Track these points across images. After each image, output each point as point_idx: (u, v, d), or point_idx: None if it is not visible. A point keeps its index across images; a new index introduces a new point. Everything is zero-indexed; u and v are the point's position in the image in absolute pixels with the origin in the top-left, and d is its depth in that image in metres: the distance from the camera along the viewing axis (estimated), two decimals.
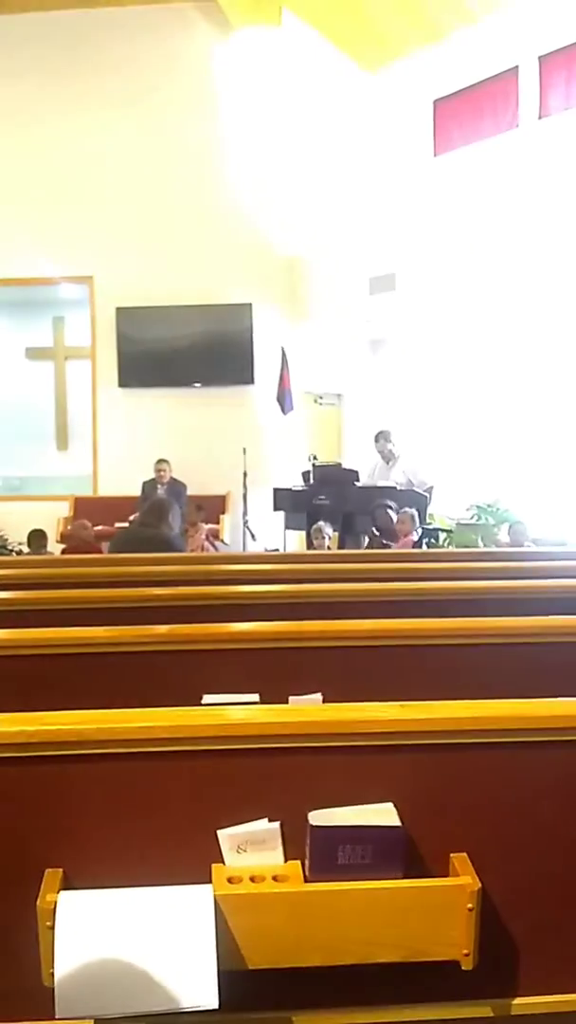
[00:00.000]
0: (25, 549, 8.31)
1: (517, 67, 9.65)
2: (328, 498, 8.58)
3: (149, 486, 9.37)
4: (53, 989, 1.40)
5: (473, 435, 10.23)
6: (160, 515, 5.31)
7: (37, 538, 8.19)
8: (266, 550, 8.70)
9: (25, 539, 8.33)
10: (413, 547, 7.62)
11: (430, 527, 8.59)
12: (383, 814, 1.60)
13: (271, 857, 1.59)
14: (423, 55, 10.47)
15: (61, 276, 10.65)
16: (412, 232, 9.25)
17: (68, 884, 1.54)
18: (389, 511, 7.87)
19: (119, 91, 10.12)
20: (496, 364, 10.09)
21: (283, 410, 10.15)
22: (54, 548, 8.73)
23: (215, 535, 9.17)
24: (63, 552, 8.20)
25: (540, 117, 9.58)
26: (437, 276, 8.98)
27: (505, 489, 9.54)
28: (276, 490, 9.38)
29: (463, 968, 1.53)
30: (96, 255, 10.24)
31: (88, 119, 10.12)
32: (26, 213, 10.15)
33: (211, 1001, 1.39)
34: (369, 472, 9.40)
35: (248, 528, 9.49)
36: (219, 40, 10.12)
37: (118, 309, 10.32)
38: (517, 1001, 1.64)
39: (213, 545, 8.54)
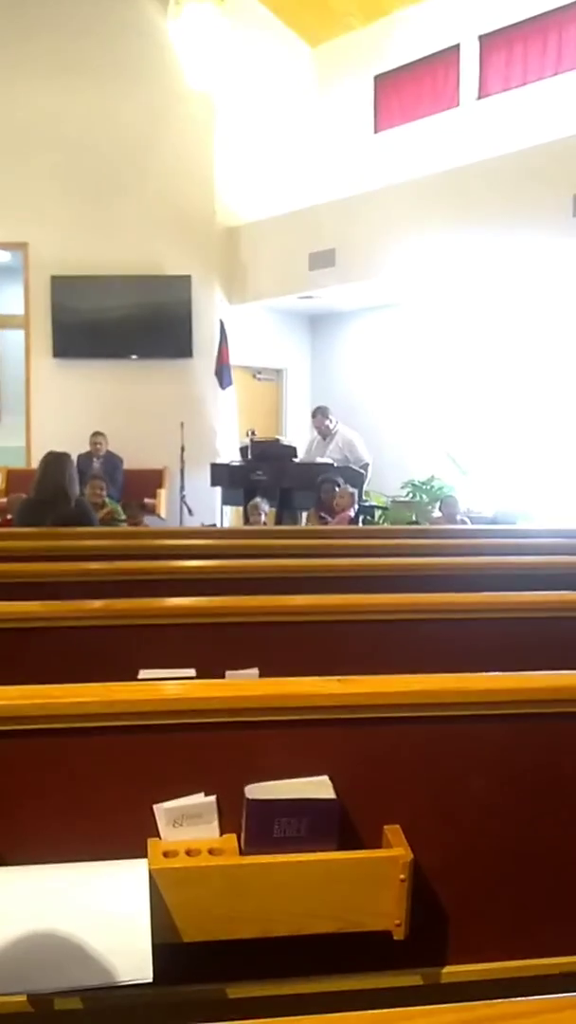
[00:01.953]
0: None
1: (458, 46, 9.68)
2: (266, 474, 8.58)
3: (84, 459, 9.25)
4: None
5: (409, 412, 10.31)
6: (63, 470, 5.02)
7: None
8: (203, 525, 8.67)
9: None
10: (349, 523, 7.67)
11: (366, 504, 8.65)
12: (319, 787, 1.61)
13: (207, 831, 1.59)
14: (366, 31, 10.44)
15: None
16: (352, 208, 9.24)
17: (3, 861, 1.52)
18: (336, 487, 7.90)
19: (59, 56, 9.87)
20: (433, 341, 10.17)
21: (221, 385, 10.09)
22: None
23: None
24: (2, 523, 8.05)
25: (479, 97, 9.64)
26: (377, 253, 8.99)
27: (440, 467, 9.65)
28: (214, 465, 9.35)
29: (395, 938, 1.56)
30: (31, 221, 10.01)
31: (26, 84, 9.86)
32: None
33: (145, 975, 1.40)
34: (306, 448, 9.42)
35: (185, 503, 9.45)
36: (161, 7, 9.93)
37: (53, 277, 10.12)
38: (447, 970, 1.67)
39: None
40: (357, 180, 9.86)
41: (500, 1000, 1.42)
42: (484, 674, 1.77)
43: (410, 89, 10.21)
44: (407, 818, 1.64)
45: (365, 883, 1.54)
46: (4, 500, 9.07)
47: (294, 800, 1.58)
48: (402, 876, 1.53)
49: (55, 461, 5.12)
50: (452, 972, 1.67)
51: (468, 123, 9.61)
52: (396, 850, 1.56)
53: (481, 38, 9.52)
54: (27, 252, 10.20)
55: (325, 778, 1.63)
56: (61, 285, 10.11)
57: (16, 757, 1.57)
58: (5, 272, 11.09)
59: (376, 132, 10.59)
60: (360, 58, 10.54)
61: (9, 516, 8.28)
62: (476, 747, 1.69)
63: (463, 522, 7.52)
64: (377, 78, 10.49)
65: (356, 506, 8.01)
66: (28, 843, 1.55)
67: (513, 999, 0.96)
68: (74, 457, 9.31)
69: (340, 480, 8.01)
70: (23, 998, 1.49)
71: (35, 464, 10.15)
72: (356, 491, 8.08)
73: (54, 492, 4.92)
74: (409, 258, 8.73)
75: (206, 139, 10.25)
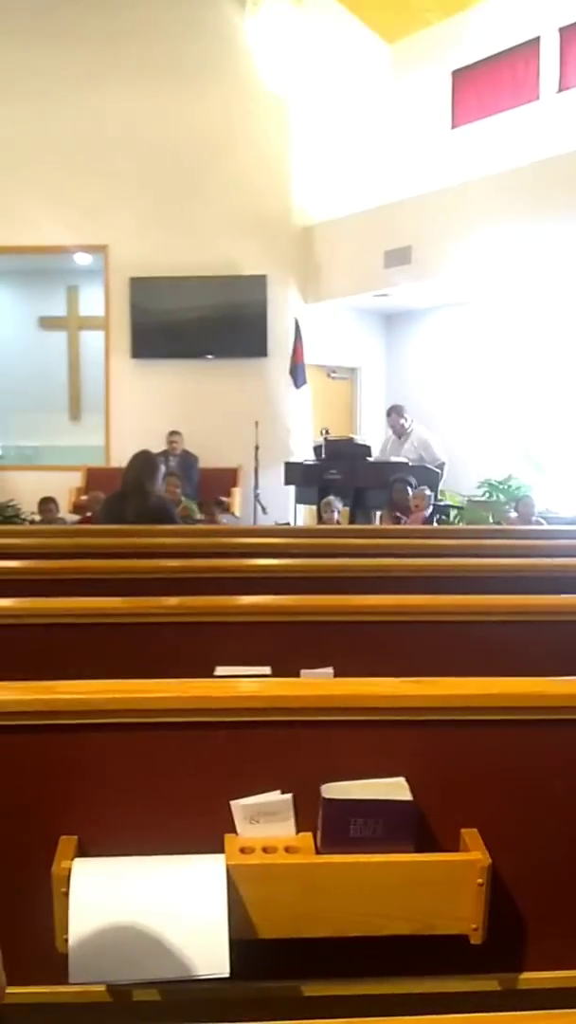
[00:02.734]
0: (37, 518, 8.33)
1: (538, 39, 9.52)
2: (339, 473, 8.56)
3: (161, 458, 9.35)
4: (67, 955, 1.42)
5: (487, 411, 10.18)
6: (151, 471, 5.19)
7: (46, 504, 8.20)
8: (277, 524, 8.70)
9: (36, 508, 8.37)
10: (424, 524, 7.62)
11: (441, 504, 8.57)
12: (395, 788, 1.60)
13: (283, 828, 1.60)
14: (443, 26, 10.34)
15: (76, 245, 10.59)
16: (429, 204, 9.17)
17: (83, 852, 1.55)
18: (408, 487, 7.86)
19: (138, 59, 10.01)
20: (512, 339, 10.02)
21: (296, 384, 10.11)
22: (65, 516, 8.75)
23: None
24: (84, 520, 8.21)
25: (560, 90, 9.46)
26: (453, 250, 8.90)
27: (518, 466, 9.51)
28: (288, 464, 9.36)
29: (471, 942, 1.54)
30: (111, 224, 10.17)
31: (106, 87, 10.02)
32: (42, 181, 10.07)
33: (223, 969, 1.41)
34: (381, 447, 9.37)
35: (259, 502, 9.49)
36: (238, 8, 9.98)
37: (132, 279, 10.26)
38: (524, 976, 1.65)
39: None
40: (434, 176, 9.77)
41: None
42: (565, 678, 1.74)
43: (488, 83, 10.08)
44: (485, 822, 1.62)
45: (442, 886, 1.52)
46: (85, 498, 9.24)
47: (370, 801, 1.57)
48: (480, 880, 1.52)
49: (139, 458, 5.29)
50: (530, 979, 1.65)
51: (548, 117, 9.44)
52: (474, 854, 1.55)
53: (561, 30, 9.35)
54: (107, 254, 10.38)
55: (401, 779, 1.62)
56: (139, 286, 10.25)
57: (97, 750, 1.60)
58: (86, 274, 11.29)
59: (453, 127, 10.48)
60: (437, 53, 10.44)
61: (89, 514, 8.45)
62: (556, 751, 1.67)
63: (539, 523, 7.40)
64: (455, 73, 10.37)
65: (431, 506, 7.95)
66: (108, 835, 1.57)
67: None
68: None
69: (413, 480, 7.95)
70: (103, 988, 1.52)
71: (114, 463, 10.39)
72: (431, 491, 8.02)
73: (135, 487, 5.06)
74: (486, 255, 8.63)
75: (282, 139, 10.28)
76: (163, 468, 5.59)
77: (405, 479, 7.95)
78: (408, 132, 10.82)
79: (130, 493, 5.10)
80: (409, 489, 7.83)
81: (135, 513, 4.90)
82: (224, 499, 9.40)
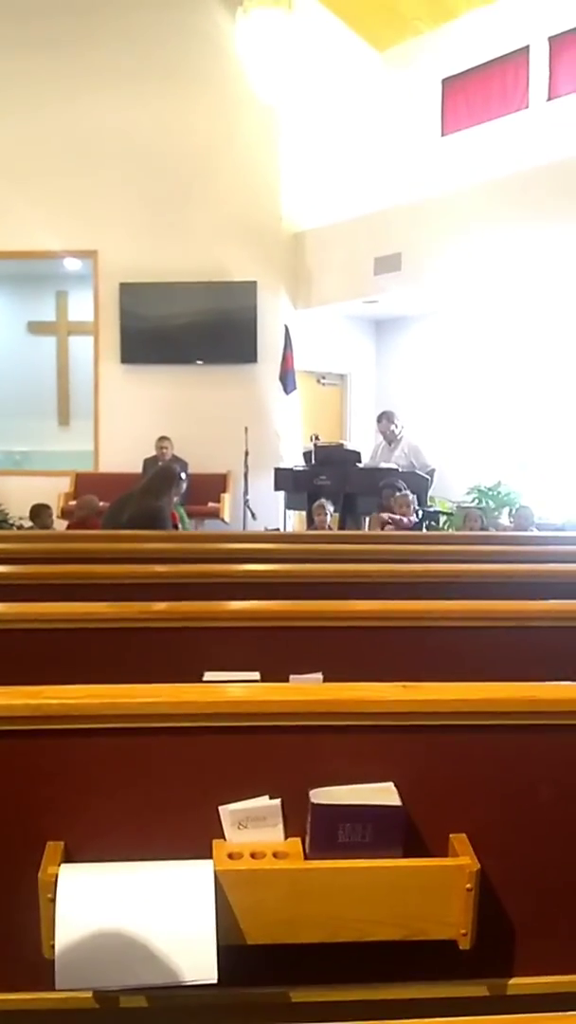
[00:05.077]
0: (27, 524, 8.30)
1: (527, 47, 9.58)
2: (329, 478, 8.58)
3: (150, 463, 9.35)
4: (53, 961, 1.41)
5: (476, 418, 10.21)
6: (167, 484, 5.29)
7: (41, 513, 8.17)
8: (266, 529, 8.70)
9: (27, 514, 8.32)
10: (411, 529, 7.62)
11: (431, 510, 8.59)
12: (384, 793, 1.60)
13: (271, 834, 1.59)
14: (433, 35, 10.39)
15: (65, 250, 10.59)
16: (419, 211, 9.20)
17: (69, 857, 1.54)
18: (396, 491, 7.87)
19: (127, 65, 10.02)
20: (502, 346, 10.06)
21: (285, 390, 10.12)
22: (58, 524, 8.73)
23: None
24: (71, 525, 8.18)
25: (549, 98, 9.53)
26: (443, 257, 8.93)
27: (507, 472, 9.54)
28: (277, 470, 9.38)
29: (460, 948, 1.54)
30: (100, 230, 10.18)
31: (95, 93, 10.03)
32: (31, 186, 10.08)
33: (210, 975, 1.40)
34: (371, 453, 9.39)
35: (249, 507, 9.49)
36: (228, 15, 10.01)
37: (122, 284, 10.26)
38: (513, 981, 1.65)
39: None
40: (424, 184, 9.81)
41: (566, 1013, 1.40)
42: (554, 683, 1.74)
43: (478, 91, 10.14)
44: (473, 827, 1.62)
45: (431, 891, 1.52)
46: (74, 503, 9.22)
47: (359, 806, 1.57)
48: (468, 885, 1.51)
49: (161, 468, 5.45)
50: (519, 984, 1.65)
51: (538, 125, 9.49)
52: (462, 859, 1.55)
53: (551, 39, 9.41)
54: (96, 260, 10.38)
55: (390, 785, 1.61)
56: (129, 292, 10.25)
57: (83, 755, 1.59)
58: (75, 279, 11.28)
59: (443, 135, 10.53)
60: (428, 61, 10.49)
61: (75, 519, 8.42)
62: (545, 757, 1.66)
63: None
64: (445, 81, 10.42)
65: (420, 511, 7.96)
66: (94, 841, 1.57)
67: None
68: (139, 461, 9.49)
69: (401, 484, 7.97)
70: (89, 994, 1.51)
71: (103, 468, 10.38)
72: (416, 496, 8.03)
73: (142, 491, 5.12)
74: (476, 262, 8.66)
75: (272, 145, 10.31)
76: (183, 486, 5.62)
77: (393, 484, 7.96)
78: (398, 139, 10.87)
79: (134, 497, 5.15)
80: (396, 494, 7.84)
81: (129, 516, 4.92)
82: (213, 504, 9.41)
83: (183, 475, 5.66)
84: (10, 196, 10.09)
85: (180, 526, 7.70)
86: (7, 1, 9.94)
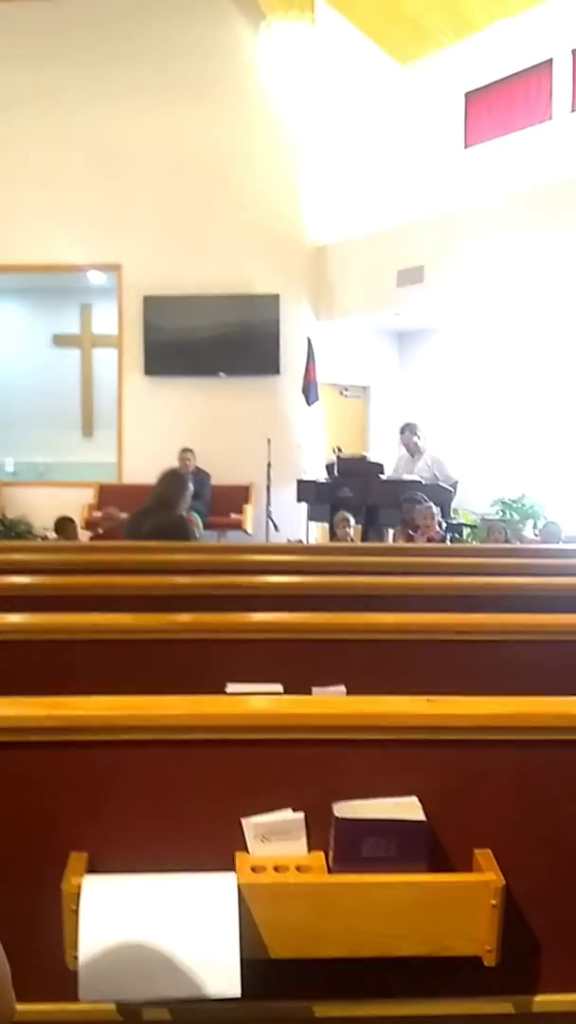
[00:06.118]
0: (51, 535, 8.33)
1: (551, 60, 9.57)
2: (352, 491, 8.56)
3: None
4: (76, 972, 1.41)
5: (500, 430, 10.17)
6: (179, 492, 5.29)
7: (67, 527, 8.20)
8: (289, 541, 8.70)
9: (52, 525, 8.35)
10: (436, 542, 7.59)
11: (454, 522, 8.55)
12: (408, 808, 1.59)
13: (295, 847, 1.59)
14: (455, 48, 10.39)
15: (89, 264, 10.67)
16: (442, 224, 9.20)
17: (92, 868, 1.54)
18: (416, 504, 7.84)
19: (150, 78, 10.11)
20: (526, 359, 10.03)
21: (308, 401, 10.13)
22: (81, 535, 8.76)
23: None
24: (95, 537, 8.21)
25: (573, 110, 9.49)
26: (466, 269, 8.92)
27: (531, 484, 9.49)
28: (300, 481, 9.37)
29: (485, 964, 1.52)
30: (124, 243, 10.25)
31: (118, 106, 10.12)
32: (55, 200, 10.17)
33: (234, 989, 1.40)
34: (394, 465, 9.37)
35: (271, 519, 9.50)
36: (251, 28, 10.08)
37: (145, 297, 10.33)
38: (539, 999, 1.63)
39: None
40: (447, 196, 9.81)
41: None
42: None
43: (501, 103, 10.13)
44: (498, 843, 1.60)
45: (455, 907, 1.51)
46: (99, 514, 9.26)
47: (383, 820, 1.56)
48: (493, 901, 1.50)
49: (168, 475, 5.41)
50: (544, 1001, 1.63)
51: (561, 137, 9.47)
52: (487, 875, 1.53)
53: (574, 51, 9.39)
54: (120, 273, 10.45)
55: (414, 799, 1.61)
56: (153, 305, 10.31)
57: (106, 766, 1.60)
58: (99, 293, 11.36)
59: (466, 147, 10.53)
60: (450, 75, 10.49)
61: (101, 531, 8.46)
62: (571, 772, 1.65)
63: None
64: (468, 94, 10.43)
65: (443, 524, 7.93)
66: (118, 852, 1.57)
67: None
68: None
69: (423, 497, 7.94)
70: (112, 1007, 1.51)
71: (127, 480, 10.42)
72: (440, 509, 7.99)
73: (159, 503, 5.11)
74: (499, 273, 8.64)
75: (295, 159, 10.35)
76: (192, 488, 5.64)
77: (415, 497, 7.93)
78: (421, 152, 10.87)
79: (152, 509, 5.15)
80: (417, 507, 7.81)
81: (151, 528, 4.92)
82: (235, 516, 9.42)
83: (202, 491, 5.68)
84: (35, 210, 10.19)
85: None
86: (32, 17, 10.06)
